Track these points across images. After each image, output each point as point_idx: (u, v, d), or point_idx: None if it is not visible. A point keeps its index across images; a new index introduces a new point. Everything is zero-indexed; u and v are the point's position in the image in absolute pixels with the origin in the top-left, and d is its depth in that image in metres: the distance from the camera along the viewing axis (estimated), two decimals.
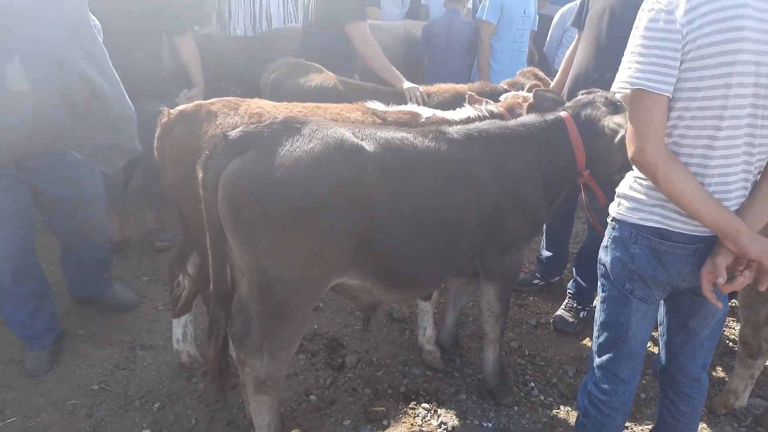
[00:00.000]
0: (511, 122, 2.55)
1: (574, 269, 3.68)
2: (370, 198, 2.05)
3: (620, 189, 1.92)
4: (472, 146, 2.37)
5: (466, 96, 3.22)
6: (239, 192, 1.89)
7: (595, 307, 3.56)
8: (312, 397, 2.86)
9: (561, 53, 5.60)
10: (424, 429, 2.70)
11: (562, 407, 2.89)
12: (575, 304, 3.58)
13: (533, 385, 3.03)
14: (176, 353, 2.99)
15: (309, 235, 1.95)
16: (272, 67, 4.02)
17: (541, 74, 3.94)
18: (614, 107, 2.48)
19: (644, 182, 1.79)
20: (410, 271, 2.28)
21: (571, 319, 3.53)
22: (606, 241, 1.96)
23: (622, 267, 1.87)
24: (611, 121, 2.42)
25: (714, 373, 3.22)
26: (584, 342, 3.46)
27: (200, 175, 1.96)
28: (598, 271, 2.01)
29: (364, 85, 3.91)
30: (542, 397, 2.96)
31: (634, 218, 1.81)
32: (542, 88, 3.30)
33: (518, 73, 4.02)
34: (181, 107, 2.49)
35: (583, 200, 2.88)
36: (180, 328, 2.96)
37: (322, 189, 1.92)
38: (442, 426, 2.72)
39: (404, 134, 2.25)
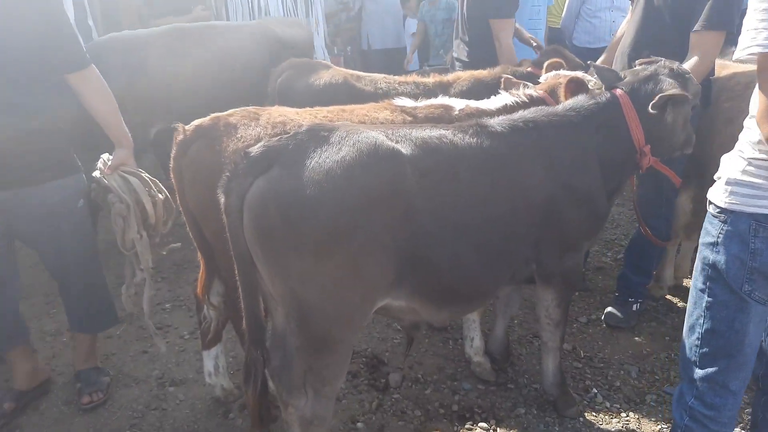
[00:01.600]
0: (560, 107, 2.32)
1: (624, 261, 3.45)
2: (412, 207, 1.83)
3: (727, 174, 1.66)
4: (519, 139, 2.14)
5: (502, 80, 2.98)
6: (267, 215, 1.68)
7: (644, 300, 3.38)
8: (359, 424, 2.64)
9: (579, 27, 5.34)
10: None
11: (631, 414, 2.66)
12: (627, 298, 3.35)
13: (596, 391, 2.80)
14: (209, 387, 2.78)
15: (348, 257, 1.73)
16: (277, 71, 3.82)
17: (566, 52, 3.68)
18: (682, 79, 2.24)
19: (765, 163, 1.54)
20: (460, 285, 2.06)
21: (623, 315, 3.30)
22: (713, 237, 1.70)
23: (741, 265, 1.63)
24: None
25: None
26: (641, 338, 3.22)
27: (222, 199, 1.74)
28: (701, 273, 1.76)
29: (374, 76, 3.70)
30: (608, 404, 2.73)
31: (754, 207, 1.56)
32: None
33: (544, 51, 3.78)
34: (197, 122, 2.28)
35: (632, 192, 2.66)
36: (211, 360, 2.75)
37: (359, 203, 1.71)
38: None
39: (442, 132, 2.02)
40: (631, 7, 3.20)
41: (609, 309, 3.34)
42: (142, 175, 2.60)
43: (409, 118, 2.54)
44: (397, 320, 2.24)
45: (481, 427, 2.59)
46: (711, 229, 1.71)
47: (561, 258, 2.28)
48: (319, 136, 1.77)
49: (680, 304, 3.52)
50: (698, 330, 1.78)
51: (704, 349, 1.77)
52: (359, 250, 1.73)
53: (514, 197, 2.09)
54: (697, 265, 1.78)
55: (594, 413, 2.67)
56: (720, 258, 1.68)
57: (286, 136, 1.78)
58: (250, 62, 4.36)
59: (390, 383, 2.89)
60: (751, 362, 1.75)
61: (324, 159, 1.70)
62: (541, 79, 3.05)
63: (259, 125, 2.25)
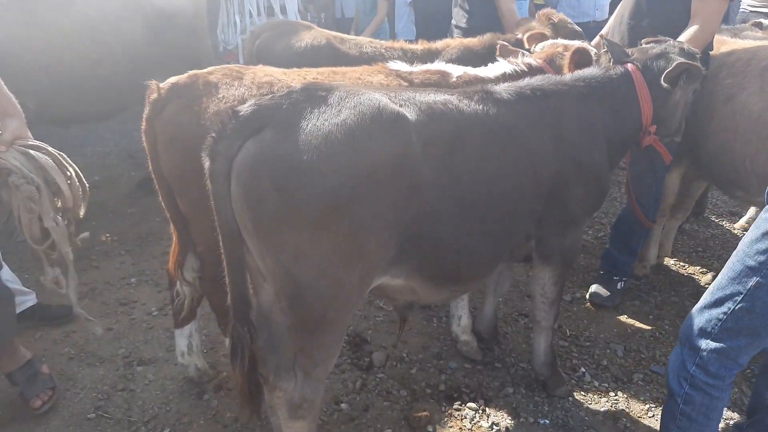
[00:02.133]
0: (568, 77, 2.19)
1: (610, 239, 3.40)
2: (416, 178, 1.68)
3: None
4: (526, 108, 2.01)
5: (497, 47, 2.83)
6: (259, 183, 1.50)
7: (628, 279, 3.35)
8: (343, 405, 2.52)
9: (564, 1, 5.23)
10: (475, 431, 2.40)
11: (619, 393, 2.62)
12: (612, 277, 3.31)
13: (584, 370, 2.75)
14: (182, 367, 2.61)
15: (347, 230, 1.57)
16: (255, 32, 3.59)
17: (558, 17, 3.56)
18: (692, 59, 2.14)
19: None
20: (462, 262, 1.93)
21: (608, 293, 3.26)
22: None
23: None
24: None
25: None
26: (625, 317, 3.19)
27: (206, 163, 1.55)
28: (761, 253, 1.65)
29: (359, 39, 3.52)
30: (596, 383, 2.68)
31: None
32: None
33: (537, 16, 3.65)
34: (173, 79, 2.06)
35: (626, 175, 2.58)
36: (184, 339, 2.57)
37: (361, 172, 1.54)
38: (494, 427, 2.42)
39: (447, 97, 1.87)
40: None
41: (594, 287, 3.30)
42: (48, 148, 2.14)
43: (405, 83, 2.38)
44: (390, 300, 2.10)
45: (469, 407, 2.51)
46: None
47: (563, 235, 2.18)
48: (316, 95, 1.59)
49: (662, 283, 3.51)
50: (729, 305, 1.70)
51: (729, 324, 1.71)
52: (360, 225, 1.58)
53: (521, 170, 1.96)
54: (753, 243, 1.69)
55: (583, 392, 2.62)
56: None
57: (279, 94, 1.59)
58: (119, 34, 3.67)
59: (374, 362, 2.77)
60: None
61: (322, 122, 1.53)
62: (537, 48, 2.93)
63: (242, 85, 2.05)
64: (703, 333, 1.78)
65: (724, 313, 1.71)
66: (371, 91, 1.68)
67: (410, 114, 1.69)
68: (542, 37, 3.16)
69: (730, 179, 2.74)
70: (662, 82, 2.11)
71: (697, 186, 3.39)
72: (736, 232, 4.23)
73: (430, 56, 3.32)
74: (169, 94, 2.02)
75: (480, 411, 2.50)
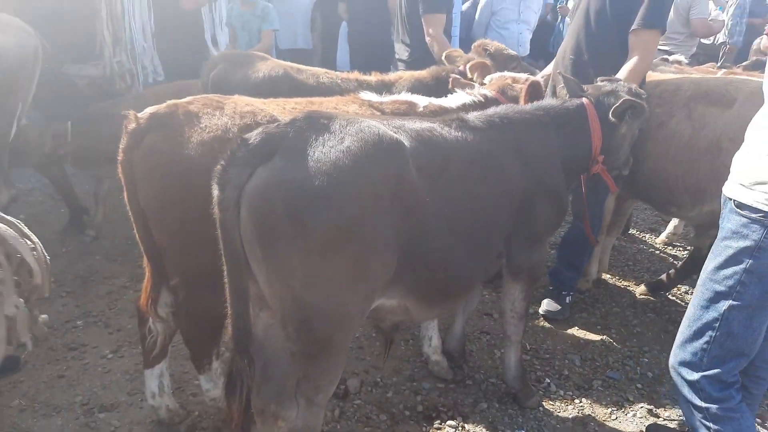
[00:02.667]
0: (529, 107, 2.37)
1: (557, 257, 3.63)
2: (411, 199, 1.78)
3: (762, 176, 1.69)
4: (496, 134, 2.16)
5: (450, 80, 3.00)
6: (271, 209, 1.53)
7: (574, 293, 3.58)
8: None
9: (489, 36, 5.58)
10: None
11: (583, 400, 2.79)
12: (561, 292, 3.52)
13: (548, 380, 2.90)
14: (152, 410, 2.48)
15: (355, 253, 1.63)
16: (209, 64, 3.57)
17: (493, 46, 3.81)
18: (639, 98, 2.39)
19: None
20: (450, 278, 2.03)
21: (558, 307, 3.47)
22: (754, 241, 1.71)
23: None
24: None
25: None
26: (576, 328, 3.40)
27: (215, 191, 1.55)
28: (729, 278, 1.76)
29: (315, 70, 3.60)
30: (561, 392, 2.84)
31: None
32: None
33: (473, 48, 3.89)
34: (151, 108, 2.02)
35: (582, 197, 2.79)
36: (155, 379, 2.45)
37: (367, 196, 1.62)
38: None
39: (431, 125, 1.99)
40: (568, 18, 3.39)
41: (545, 303, 3.49)
42: (6, 217, 1.89)
43: (377, 113, 2.47)
44: (381, 322, 2.14)
45: (449, 425, 2.57)
46: (749, 233, 1.71)
47: (530, 252, 2.33)
48: (319, 123, 1.64)
49: (603, 296, 3.78)
50: (710, 334, 1.81)
51: (714, 352, 1.82)
52: (366, 247, 1.64)
53: (495, 190, 2.11)
54: (718, 270, 1.78)
55: (551, 402, 2.76)
56: (758, 264, 1.69)
57: (284, 123, 1.63)
58: None
59: (349, 389, 2.77)
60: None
61: (328, 149, 1.58)
62: (486, 80, 3.13)
63: (224, 114, 2.05)
64: (694, 366, 1.86)
65: (707, 343, 1.82)
66: (368, 119, 1.75)
67: (405, 140, 1.78)
68: (484, 66, 3.39)
69: (664, 198, 3.04)
70: (610, 116, 2.34)
71: (628, 206, 3.72)
72: (658, 245, 4.63)
73: (384, 87, 3.44)
74: (149, 124, 1.98)
75: (459, 428, 2.57)
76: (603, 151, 2.46)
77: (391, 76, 3.53)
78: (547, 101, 2.44)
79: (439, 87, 3.41)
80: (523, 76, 3.07)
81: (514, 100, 2.82)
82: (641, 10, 2.70)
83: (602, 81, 2.55)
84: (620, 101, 2.32)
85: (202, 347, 2.36)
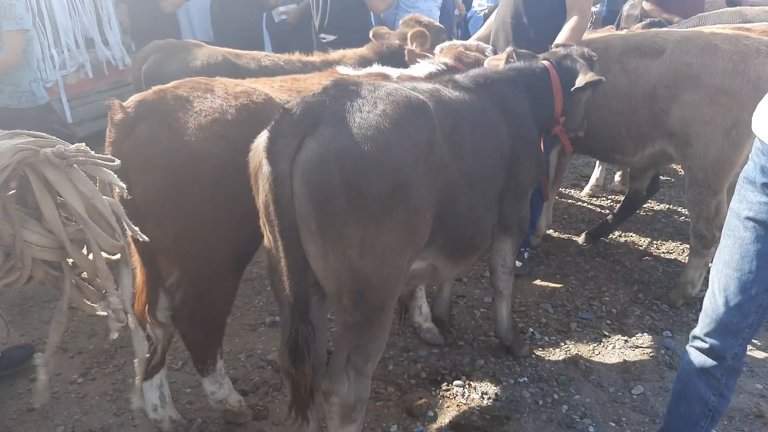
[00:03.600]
0: (504, 68, 2.48)
1: None
2: (442, 158, 1.82)
3: None
4: (483, 93, 2.25)
5: (405, 52, 3.04)
6: (328, 180, 1.50)
7: (529, 248, 3.80)
8: None
9: (399, 17, 5.66)
10: (471, 405, 2.54)
11: (567, 341, 2.99)
12: (519, 248, 3.70)
13: (532, 330, 3.07)
14: (155, 423, 2.32)
15: (404, 216, 1.64)
16: (140, 56, 3.32)
17: (424, 19, 3.90)
18: (590, 62, 2.57)
19: None
20: (475, 234, 2.13)
21: (520, 263, 3.65)
22: None
23: None
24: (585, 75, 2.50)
25: (669, 268, 3.66)
26: (539, 280, 3.60)
27: (266, 167, 1.49)
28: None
29: (255, 54, 3.48)
30: (546, 338, 3.02)
31: None
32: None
33: (401, 23, 3.95)
34: (136, 96, 1.86)
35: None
36: (155, 390, 2.30)
37: (411, 158, 1.64)
38: (484, 396, 2.60)
39: (435, 86, 2.04)
40: None
41: None
42: None
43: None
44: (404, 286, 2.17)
45: (456, 385, 2.65)
46: None
47: (518, 207, 2.46)
48: (349, 90, 1.63)
49: (553, 248, 4.03)
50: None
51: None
52: (413, 209, 1.66)
53: (492, 147, 2.20)
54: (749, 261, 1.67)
55: (540, 349, 2.93)
56: None
57: (318, 92, 1.59)
58: None
59: None
60: None
61: (366, 114, 1.58)
62: (437, 50, 3.20)
63: (217, 96, 1.94)
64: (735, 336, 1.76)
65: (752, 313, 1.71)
66: (388, 83, 1.75)
67: (428, 101, 1.80)
68: (423, 35, 3.46)
69: (608, 146, 3.31)
70: (574, 88, 2.48)
71: (566, 161, 3.99)
72: (584, 198, 4.99)
73: (328, 66, 3.40)
74: (138, 112, 1.83)
75: (466, 386, 2.66)
76: (563, 113, 2.63)
77: (333, 55, 3.50)
78: (518, 64, 2.56)
79: (381, 61, 3.43)
80: (473, 43, 3.19)
81: (470, 65, 2.91)
82: None
83: (556, 47, 2.71)
84: (585, 80, 2.46)
85: (206, 348, 2.24)
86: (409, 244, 1.69)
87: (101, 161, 1.39)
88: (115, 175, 1.44)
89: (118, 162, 1.42)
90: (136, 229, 1.48)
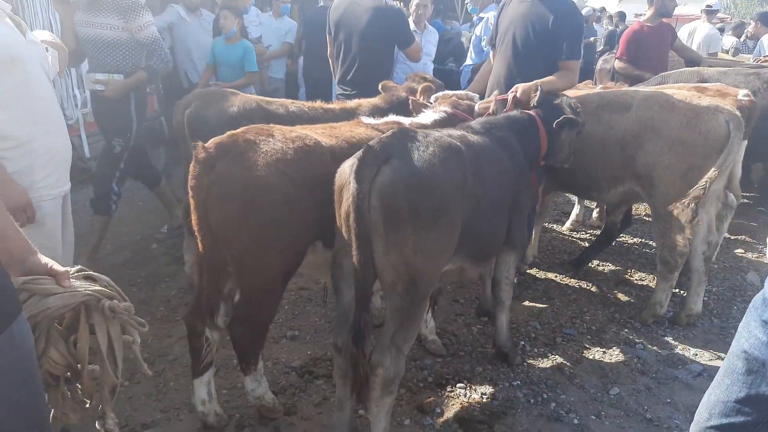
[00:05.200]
0: (501, 117, 3.03)
1: None
2: (468, 189, 2.35)
3: None
4: (492, 137, 2.78)
5: (410, 103, 3.57)
6: (395, 195, 2.05)
7: (518, 275, 4.29)
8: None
9: (398, 68, 6.23)
10: (472, 403, 2.96)
11: (553, 353, 3.44)
12: None
13: (523, 343, 3.52)
14: (201, 416, 2.70)
15: (446, 226, 2.20)
16: (183, 103, 3.79)
17: (428, 76, 4.46)
18: (575, 112, 3.15)
19: None
20: (491, 243, 2.70)
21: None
22: None
23: None
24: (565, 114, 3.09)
25: (642, 293, 4.16)
26: (527, 302, 4.07)
27: (353, 185, 2.02)
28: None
29: (282, 101, 3.97)
30: (535, 350, 3.47)
31: None
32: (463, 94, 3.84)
33: (407, 78, 4.49)
34: (216, 139, 2.33)
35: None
36: (204, 387, 2.68)
37: (451, 186, 2.20)
38: (484, 396, 3.02)
39: (461, 132, 2.59)
40: (492, 49, 4.11)
41: None
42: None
43: (379, 133, 2.95)
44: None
45: (459, 387, 3.07)
46: None
47: (520, 224, 2.97)
48: (408, 135, 2.22)
49: (539, 274, 4.53)
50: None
51: None
52: (452, 223, 2.21)
53: (504, 177, 2.74)
54: None
55: (530, 359, 3.38)
56: None
57: (388, 135, 2.19)
58: None
59: None
60: None
61: (422, 152, 2.16)
62: (432, 99, 3.74)
63: (278, 140, 2.41)
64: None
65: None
66: (436, 132, 2.33)
67: (461, 145, 2.36)
68: (430, 89, 4.01)
69: (586, 185, 3.85)
70: (554, 125, 3.07)
71: (551, 197, 4.52)
72: (565, 232, 5.52)
73: (346, 113, 3.91)
74: (218, 152, 2.30)
75: (468, 388, 3.08)
76: (548, 150, 3.17)
77: (351, 103, 4.01)
78: (513, 114, 3.13)
79: (391, 110, 3.95)
80: (463, 92, 3.75)
81: (465, 111, 3.45)
82: (564, 44, 3.50)
83: (547, 94, 3.27)
84: (561, 117, 3.04)
85: (252, 349, 2.64)
86: (447, 248, 2.25)
87: (135, 323, 1.66)
88: (138, 334, 1.69)
89: (147, 328, 1.72)
90: (145, 365, 1.77)
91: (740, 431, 1.56)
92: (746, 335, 1.55)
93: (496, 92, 3.33)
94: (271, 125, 2.56)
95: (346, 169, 2.12)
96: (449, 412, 2.90)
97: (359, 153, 2.09)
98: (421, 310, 2.30)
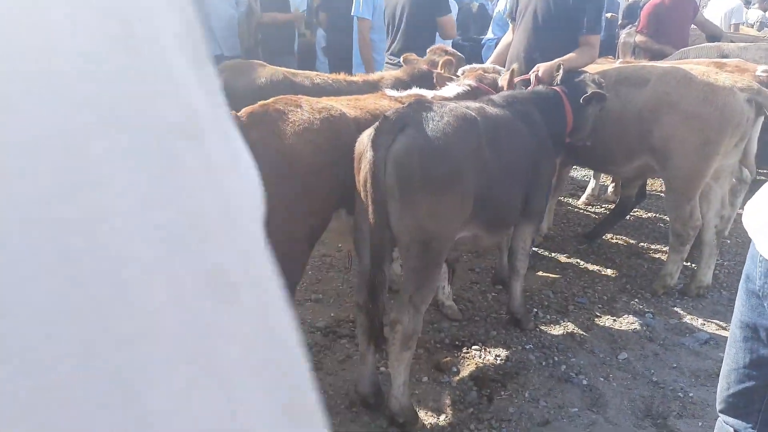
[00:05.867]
0: (525, 92, 3.13)
1: None
2: (484, 156, 2.47)
3: None
4: (513, 109, 2.89)
5: (434, 76, 3.66)
6: (410, 163, 2.18)
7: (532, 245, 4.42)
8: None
9: None
10: (486, 363, 3.13)
11: (565, 320, 3.59)
12: None
13: (536, 310, 3.67)
14: None
15: (458, 192, 2.32)
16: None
17: (449, 49, 4.53)
18: (599, 86, 3.22)
19: None
20: (507, 212, 2.80)
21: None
22: None
23: None
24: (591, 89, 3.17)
25: (653, 265, 4.27)
26: (541, 272, 4.21)
27: (369, 152, 2.16)
28: None
29: (307, 73, 4.08)
30: (548, 317, 3.62)
31: None
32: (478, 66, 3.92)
33: (428, 51, 4.57)
34: (248, 109, 2.47)
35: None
36: None
37: (464, 154, 2.32)
38: (497, 358, 3.19)
39: (480, 105, 2.70)
40: (512, 22, 4.17)
41: None
42: None
43: (401, 104, 3.07)
44: (452, 250, 2.82)
45: (474, 349, 3.25)
46: None
47: (539, 197, 3.08)
48: (425, 106, 2.33)
49: (554, 246, 4.65)
50: None
51: None
52: (464, 189, 2.33)
53: (521, 150, 2.85)
54: None
55: (543, 325, 3.53)
56: None
57: (405, 106, 2.32)
58: None
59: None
60: None
61: (437, 122, 2.26)
62: (459, 73, 3.83)
63: (305, 111, 2.54)
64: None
65: None
66: (453, 103, 2.42)
67: (476, 116, 2.47)
68: (451, 62, 4.09)
69: (603, 159, 3.94)
70: (581, 101, 3.14)
71: (567, 171, 4.61)
72: (580, 207, 5.62)
73: (369, 85, 4.02)
74: (252, 121, 2.44)
75: (483, 350, 3.25)
76: (573, 126, 3.26)
77: (374, 76, 4.12)
78: (538, 89, 3.24)
79: (413, 82, 4.05)
80: (489, 66, 3.83)
81: (489, 85, 3.54)
82: (585, 19, 3.56)
83: (568, 72, 3.35)
84: (589, 92, 3.11)
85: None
86: (459, 214, 2.37)
87: None
88: None
89: None
90: None
91: (755, 394, 1.65)
92: (739, 305, 1.67)
93: (515, 65, 3.42)
94: (299, 96, 2.69)
95: (365, 138, 2.26)
96: (465, 371, 3.07)
97: (377, 123, 2.23)
98: (435, 271, 2.43)
